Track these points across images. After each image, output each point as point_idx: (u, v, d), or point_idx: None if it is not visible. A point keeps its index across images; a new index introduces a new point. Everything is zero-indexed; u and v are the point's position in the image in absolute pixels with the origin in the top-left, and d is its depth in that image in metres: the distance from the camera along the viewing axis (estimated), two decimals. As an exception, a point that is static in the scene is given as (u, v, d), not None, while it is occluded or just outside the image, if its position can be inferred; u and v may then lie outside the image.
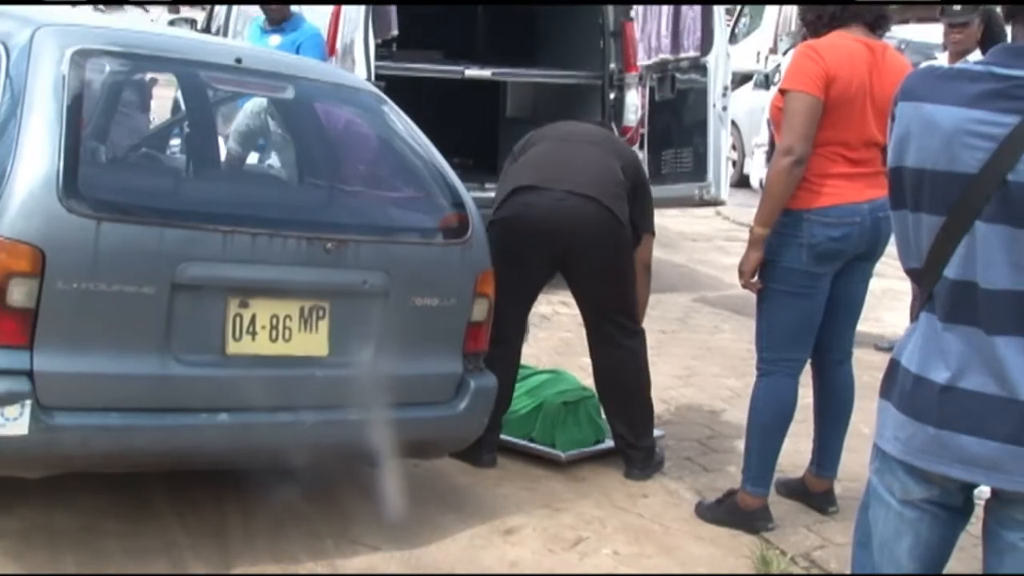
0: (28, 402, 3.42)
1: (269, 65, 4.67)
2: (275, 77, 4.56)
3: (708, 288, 8.29)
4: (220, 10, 9.88)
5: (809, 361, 4.52)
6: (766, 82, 12.26)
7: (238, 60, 4.36)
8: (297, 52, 7.10)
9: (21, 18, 4.07)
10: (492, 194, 7.91)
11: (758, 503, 4.42)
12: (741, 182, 11.91)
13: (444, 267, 4.21)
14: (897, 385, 2.51)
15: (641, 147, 8.55)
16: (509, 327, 4.77)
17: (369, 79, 6.63)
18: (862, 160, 4.24)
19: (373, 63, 7.29)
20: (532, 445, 5.00)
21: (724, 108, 8.05)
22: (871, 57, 4.22)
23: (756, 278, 4.33)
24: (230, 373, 3.79)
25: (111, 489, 4.10)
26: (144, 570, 3.70)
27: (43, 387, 3.45)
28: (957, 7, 5.90)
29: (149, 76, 4.92)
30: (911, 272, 2.52)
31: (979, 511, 2.53)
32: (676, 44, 8.24)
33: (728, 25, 10.29)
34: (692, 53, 8.09)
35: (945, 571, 2.61)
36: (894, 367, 2.53)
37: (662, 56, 8.37)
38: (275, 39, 7.62)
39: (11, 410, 3.39)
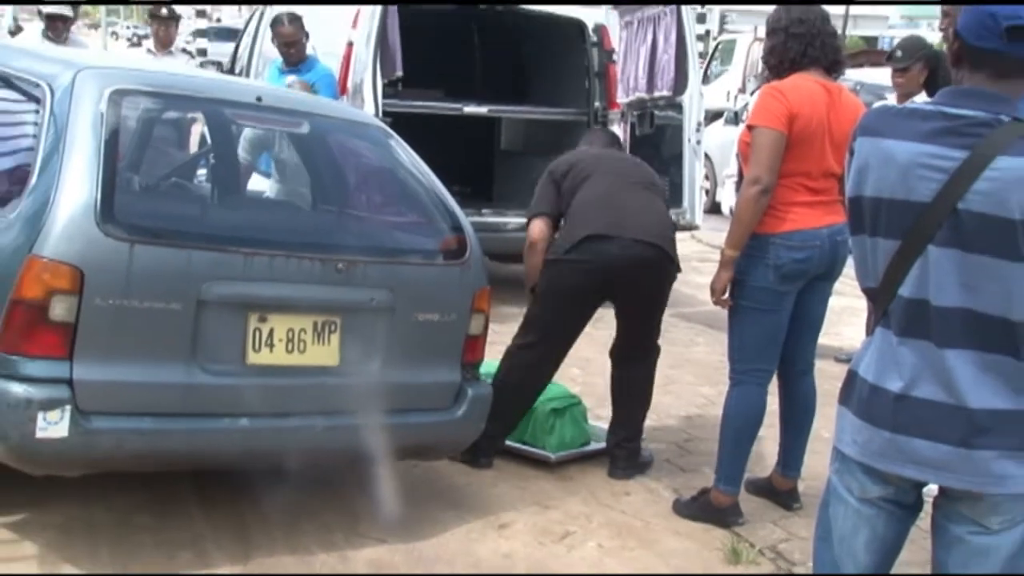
0: (68, 408, 3.41)
1: (286, 103, 4.68)
2: (292, 114, 4.58)
3: (684, 304, 8.27)
4: (243, 53, 9.89)
5: (776, 372, 4.53)
6: (735, 119, 12.28)
7: (259, 98, 4.38)
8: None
9: (64, 61, 4.10)
10: (489, 219, 8.02)
11: (730, 500, 4.41)
12: (713, 209, 11.91)
13: (444, 285, 4.22)
14: (855, 393, 2.52)
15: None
16: (557, 355, 4.89)
17: (377, 115, 6.63)
18: (821, 189, 4.25)
19: (381, 101, 7.29)
20: (524, 447, 4.99)
21: (698, 142, 8.07)
22: (828, 97, 4.24)
23: (727, 295, 4.34)
24: (250, 382, 3.78)
25: (143, 487, 4.09)
26: (172, 560, 3.69)
27: (81, 394, 3.45)
28: (899, 53, 5.97)
29: (188, 115, 4.91)
30: (868, 291, 2.53)
31: (928, 507, 2.54)
32: (651, 84, 8.26)
33: (701, 67, 10.31)
34: (667, 92, 8.11)
35: (897, 561, 2.61)
36: (852, 377, 2.54)
37: (639, 95, 8.38)
38: (292, 79, 7.63)
39: (53, 415, 3.39)
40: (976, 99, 2.35)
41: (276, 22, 7.87)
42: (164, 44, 9.06)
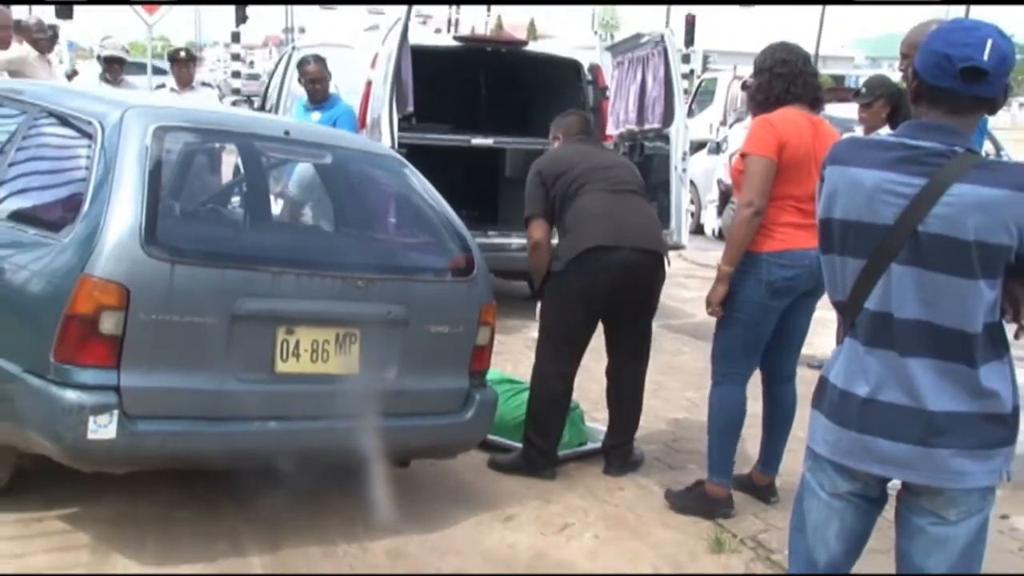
0: (115, 412, 3.42)
1: (311, 136, 4.70)
2: (316, 146, 4.59)
3: (672, 317, 8.27)
4: (272, 92, 9.92)
5: (762, 379, 4.53)
6: (717, 148, 12.28)
7: (286, 132, 4.39)
8: (334, 125, 7.14)
9: (113, 101, 4.12)
10: (494, 240, 8.02)
11: (723, 492, 4.39)
12: (698, 230, 11.93)
13: (454, 300, 4.21)
14: (826, 397, 2.52)
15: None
16: (578, 358, 4.85)
17: (393, 147, 6.63)
18: (811, 212, 4.14)
19: (396, 134, 7.29)
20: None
21: (684, 170, 8.05)
22: (813, 128, 4.25)
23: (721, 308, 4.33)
24: (279, 388, 3.79)
25: (183, 484, 4.09)
26: (209, 550, 3.69)
27: (128, 400, 3.46)
28: (865, 90, 6.00)
29: (223, 147, 4.93)
30: (837, 304, 2.53)
31: (892, 501, 2.54)
32: (641, 117, 8.27)
33: (686, 102, 10.32)
34: (657, 125, 8.11)
35: (864, 548, 2.61)
36: (823, 383, 2.55)
37: (629, 127, 8.39)
38: (316, 115, 7.65)
39: (102, 419, 3.40)
40: (933, 132, 2.36)
41: (303, 62, 7.92)
42: (185, 82, 9.25)
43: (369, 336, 3.96)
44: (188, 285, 3.57)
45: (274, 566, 3.67)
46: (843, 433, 2.46)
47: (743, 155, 4.29)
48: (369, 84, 7.69)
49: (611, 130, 8.58)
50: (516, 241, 8.40)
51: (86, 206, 3.62)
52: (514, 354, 5.02)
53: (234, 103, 12.88)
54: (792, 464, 4.41)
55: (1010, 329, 2.46)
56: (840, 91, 14.96)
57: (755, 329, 4.31)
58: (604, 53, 9.18)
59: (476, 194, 9.08)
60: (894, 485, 2.50)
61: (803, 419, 2.84)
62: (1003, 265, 2.33)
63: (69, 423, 3.41)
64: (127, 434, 3.45)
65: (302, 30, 44.75)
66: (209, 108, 5.77)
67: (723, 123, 16.66)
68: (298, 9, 56.66)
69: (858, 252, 2.41)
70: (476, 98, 9.90)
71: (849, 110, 7.47)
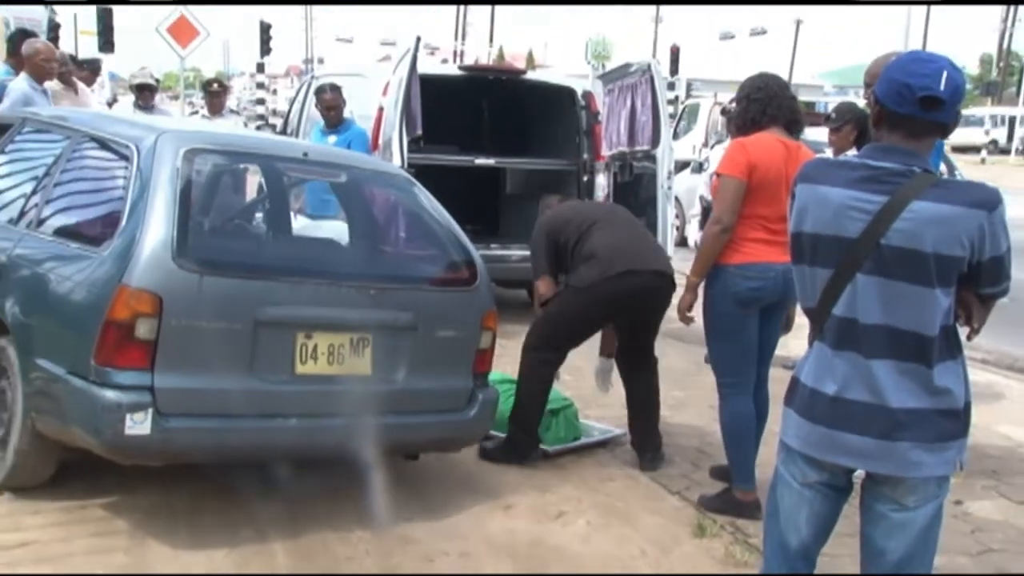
0: (150, 410, 3.44)
1: (328, 157, 4.72)
2: (333, 166, 4.60)
3: (658, 322, 8.29)
4: (293, 117, 9.96)
5: None
6: (699, 168, 12.27)
7: (305, 154, 4.41)
8: (349, 147, 7.16)
9: (148, 126, 4.15)
10: (496, 252, 8.03)
11: (751, 497, 4.27)
12: (682, 242, 11.92)
13: (458, 307, 4.23)
14: (797, 396, 2.53)
15: (607, 217, 8.59)
16: (563, 353, 4.89)
17: (403, 167, 6.66)
18: (779, 231, 4.04)
19: (406, 155, 7.31)
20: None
21: (669, 187, 8.07)
22: (786, 152, 4.17)
23: (691, 313, 4.32)
24: (298, 388, 3.80)
25: (211, 476, 4.09)
26: (235, 536, 3.70)
27: (161, 399, 3.47)
28: (834, 115, 6.00)
29: (247, 168, 4.95)
30: (807, 311, 2.54)
31: (857, 489, 2.55)
32: (631, 139, 8.28)
33: (671, 126, 10.34)
34: (645, 146, 8.12)
35: (833, 532, 2.62)
36: (795, 382, 2.56)
37: (620, 149, 8.41)
38: (332, 138, 7.66)
39: (138, 416, 3.42)
40: (894, 154, 2.38)
41: (320, 91, 7.95)
42: (215, 110, 9.30)
43: (381, 340, 3.97)
44: (215, 294, 3.59)
45: (294, 551, 3.68)
46: (813, 428, 2.47)
47: (717, 175, 4.29)
48: (381, 109, 7.71)
49: (604, 151, 8.60)
50: (516, 253, 8.41)
51: (123, 222, 3.64)
52: (514, 357, 5.02)
53: (258, 127, 12.93)
54: (767, 456, 4.38)
55: (962, 332, 2.49)
56: (812, 116, 14.99)
57: (735, 337, 4.24)
58: (596, 81, 9.19)
59: (479, 210, 9.10)
60: (859, 475, 2.51)
61: (777, 415, 2.84)
62: (956, 275, 2.35)
63: (108, 420, 3.43)
64: (160, 430, 3.46)
65: (321, 60, 44.83)
66: (234, 132, 5.79)
67: (705, 144, 16.67)
68: (317, 41, 56.89)
69: (826, 263, 2.43)
70: (479, 122, 9.93)
71: (820, 133, 7.49)
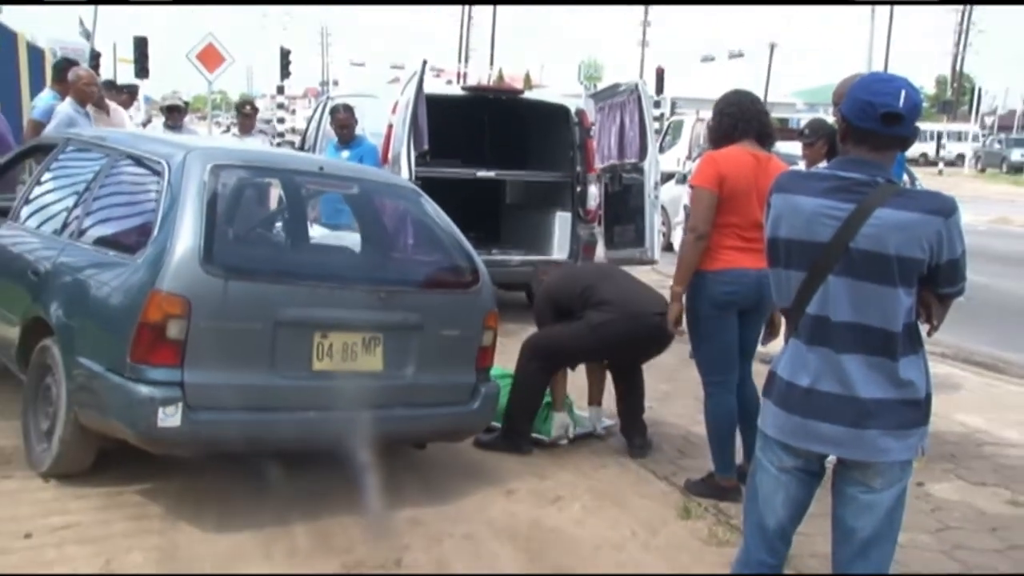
0: (180, 404, 3.45)
1: (342, 171, 4.73)
2: (346, 179, 4.61)
3: (646, 321, 8.27)
4: (311, 134, 9.96)
5: None
6: (683, 179, 12.28)
7: (321, 168, 4.43)
8: (361, 161, 7.16)
9: (178, 144, 4.16)
10: (496, 257, 8.04)
11: (731, 484, 4.26)
12: (667, 248, 11.91)
13: (462, 308, 4.22)
14: (774, 388, 2.53)
15: (600, 224, 8.60)
16: (560, 367, 4.93)
17: (410, 179, 6.66)
18: (753, 239, 4.06)
19: (414, 168, 7.32)
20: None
21: (656, 197, 8.07)
22: (756, 163, 4.14)
23: (680, 327, 4.28)
24: (315, 383, 3.80)
25: (237, 465, 4.08)
26: (258, 519, 3.69)
27: (190, 393, 3.48)
28: (807, 131, 6.00)
29: (268, 181, 4.95)
30: (783, 310, 2.55)
31: (829, 474, 2.55)
32: (621, 153, 8.29)
33: (657, 140, 10.34)
34: (634, 159, 8.13)
35: (807, 514, 2.62)
36: (772, 376, 2.56)
37: (611, 162, 8.42)
38: (345, 153, 7.68)
39: (170, 410, 3.43)
40: (860, 166, 2.39)
41: (335, 110, 7.96)
42: (246, 130, 9.34)
43: (390, 339, 3.97)
44: (239, 297, 3.59)
45: (314, 532, 3.67)
46: (789, 418, 2.47)
47: (691, 186, 4.28)
48: (391, 127, 7.71)
49: (596, 164, 8.60)
50: (515, 258, 8.44)
51: (155, 232, 3.65)
52: (513, 354, 5.01)
53: (278, 144, 12.94)
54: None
55: (923, 329, 2.49)
56: (787, 131, 15.01)
57: (716, 338, 4.21)
58: (588, 100, 9.20)
59: (481, 218, 9.09)
60: (831, 461, 2.52)
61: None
62: (917, 276, 2.36)
63: (142, 413, 3.44)
64: (190, 422, 3.47)
65: (336, 82, 44.90)
66: (257, 149, 5.80)
67: (688, 157, 16.67)
68: (333, 65, 56.92)
69: (800, 266, 2.43)
70: (481, 138, 9.93)
71: (793, 147, 7.50)
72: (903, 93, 2.32)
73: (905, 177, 5.47)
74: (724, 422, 4.31)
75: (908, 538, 3.68)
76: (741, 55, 46.74)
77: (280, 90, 33.35)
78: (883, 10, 43.45)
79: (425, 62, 7.78)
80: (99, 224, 4.18)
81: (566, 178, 8.78)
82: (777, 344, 3.03)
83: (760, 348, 4.57)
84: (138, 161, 4.23)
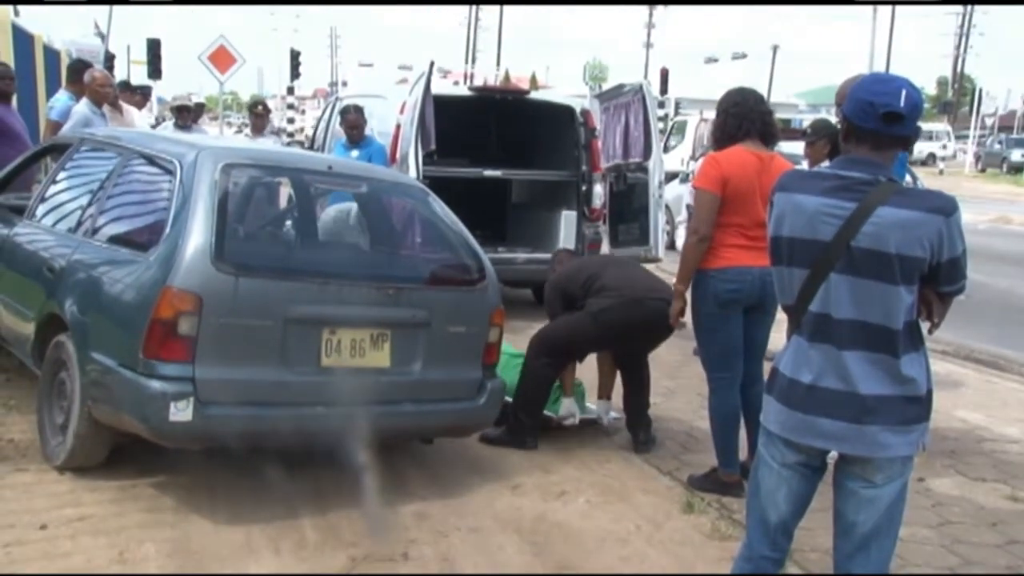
0: (191, 398, 3.45)
1: (350, 170, 4.72)
2: (354, 178, 4.61)
3: (650, 318, 8.26)
4: (320, 134, 9.97)
5: None
6: (687, 178, 12.26)
7: (330, 167, 4.42)
8: (369, 160, 7.16)
9: (189, 144, 4.16)
10: (503, 255, 8.04)
11: (734, 479, 4.25)
12: (671, 246, 11.91)
13: (468, 305, 4.21)
14: (777, 384, 2.53)
15: (605, 222, 8.59)
16: (566, 361, 4.92)
17: (418, 178, 6.66)
18: (756, 237, 4.03)
19: (421, 167, 7.32)
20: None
21: (660, 196, 8.06)
22: (759, 164, 4.12)
23: (683, 319, 4.28)
24: (324, 379, 3.79)
25: (248, 459, 4.07)
26: (267, 512, 3.70)
27: (201, 388, 3.48)
28: (810, 131, 5.98)
29: (278, 180, 4.96)
30: (786, 307, 2.54)
31: (831, 469, 2.54)
32: (626, 152, 8.28)
33: (662, 140, 10.32)
34: (639, 159, 8.12)
35: (808, 508, 2.61)
36: (775, 372, 2.55)
37: (616, 161, 8.41)
38: (354, 152, 7.69)
39: (181, 404, 3.44)
40: (861, 165, 2.38)
41: (345, 111, 7.97)
42: (258, 130, 9.36)
43: (398, 335, 3.96)
44: (250, 294, 3.59)
45: (322, 525, 3.68)
46: (791, 414, 2.46)
47: (694, 188, 4.27)
48: (398, 127, 7.72)
49: (601, 164, 8.59)
50: (521, 256, 8.44)
51: (167, 229, 3.66)
52: (520, 349, 5.04)
53: (288, 144, 12.95)
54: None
55: (924, 326, 2.48)
56: (789, 132, 14.98)
57: (720, 335, 4.20)
58: (593, 100, 9.18)
59: (487, 217, 9.09)
60: (832, 456, 2.51)
61: (757, 402, 2.83)
62: (918, 274, 2.35)
63: (154, 407, 3.45)
64: (201, 417, 3.47)
65: (344, 83, 44.90)
66: (267, 148, 5.80)
67: (692, 157, 16.63)
68: (342, 66, 56.98)
69: (802, 263, 2.43)
70: (487, 137, 9.93)
71: (796, 147, 7.48)
72: (903, 93, 2.32)
73: (908, 178, 5.44)
74: (727, 418, 4.29)
75: (909, 532, 3.68)
76: (744, 56, 46.75)
77: (290, 91, 33.46)
78: (884, 13, 43.36)
79: (432, 63, 7.78)
80: (112, 222, 4.19)
81: (571, 177, 8.77)
82: (779, 341, 3.02)
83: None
84: (151, 160, 4.24)
